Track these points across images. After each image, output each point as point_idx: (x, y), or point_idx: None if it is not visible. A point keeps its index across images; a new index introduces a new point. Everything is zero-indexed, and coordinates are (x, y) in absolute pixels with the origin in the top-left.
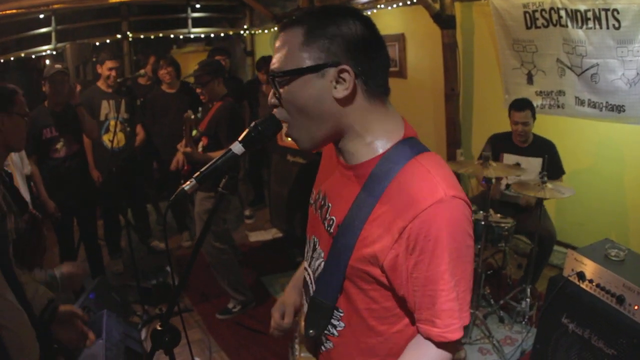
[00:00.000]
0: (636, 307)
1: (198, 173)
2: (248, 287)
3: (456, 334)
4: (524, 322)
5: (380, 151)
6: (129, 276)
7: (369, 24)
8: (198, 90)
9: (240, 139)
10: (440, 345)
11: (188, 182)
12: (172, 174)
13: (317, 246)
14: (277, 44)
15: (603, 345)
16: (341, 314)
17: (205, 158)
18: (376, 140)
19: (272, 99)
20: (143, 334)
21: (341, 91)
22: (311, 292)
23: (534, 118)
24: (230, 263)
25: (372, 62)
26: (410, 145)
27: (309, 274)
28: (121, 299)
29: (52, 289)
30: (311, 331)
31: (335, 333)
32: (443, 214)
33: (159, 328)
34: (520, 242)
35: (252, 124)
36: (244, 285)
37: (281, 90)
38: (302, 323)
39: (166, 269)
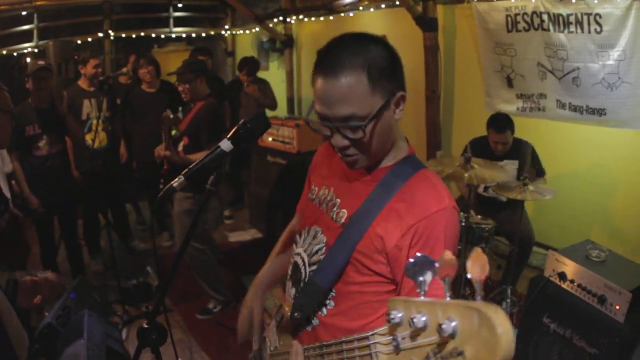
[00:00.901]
0: (617, 307)
1: (186, 170)
2: (228, 287)
3: None
4: None
5: (393, 162)
6: (109, 276)
7: (387, 44)
8: (180, 89)
9: (228, 136)
10: None
11: (177, 179)
12: (151, 173)
13: (318, 234)
14: (335, 91)
15: (585, 345)
16: (333, 294)
17: (185, 161)
18: (392, 153)
19: (343, 142)
20: (124, 334)
21: (399, 113)
22: (303, 275)
23: (513, 132)
24: (209, 263)
25: (404, 78)
26: (414, 162)
27: (302, 258)
28: (101, 298)
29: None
30: (296, 314)
31: (325, 312)
32: (445, 219)
33: (146, 326)
34: (500, 244)
35: (241, 122)
36: (224, 285)
37: (360, 133)
38: (286, 308)
39: (146, 269)
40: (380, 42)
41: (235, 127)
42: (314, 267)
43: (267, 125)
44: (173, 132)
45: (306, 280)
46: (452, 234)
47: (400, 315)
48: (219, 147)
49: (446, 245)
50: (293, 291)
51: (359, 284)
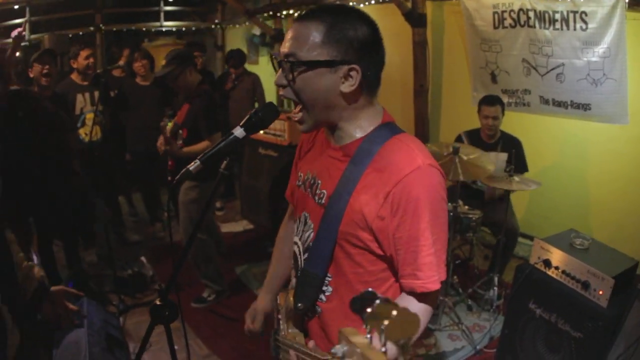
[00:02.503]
0: (601, 292)
1: (202, 154)
2: (223, 276)
3: (436, 285)
4: (491, 310)
5: (364, 133)
6: (103, 266)
7: (375, 28)
8: (172, 84)
9: (241, 123)
10: (422, 297)
11: (193, 163)
12: (144, 166)
13: (307, 220)
14: (295, 32)
15: (569, 329)
16: (329, 279)
17: (186, 153)
18: (362, 125)
19: (281, 80)
20: (120, 323)
21: (347, 87)
22: (300, 263)
23: (503, 114)
24: (210, 254)
25: (375, 63)
26: (389, 128)
27: (298, 247)
28: (97, 288)
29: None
30: (300, 305)
31: (324, 298)
32: (421, 179)
33: (159, 303)
34: (487, 235)
35: (253, 110)
36: (221, 275)
37: (295, 74)
38: (291, 298)
39: (141, 259)
40: (364, 18)
41: (248, 116)
42: (306, 255)
43: (276, 114)
44: (169, 125)
45: (301, 268)
46: (434, 193)
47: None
48: (232, 133)
49: (427, 205)
50: (294, 281)
51: (351, 265)
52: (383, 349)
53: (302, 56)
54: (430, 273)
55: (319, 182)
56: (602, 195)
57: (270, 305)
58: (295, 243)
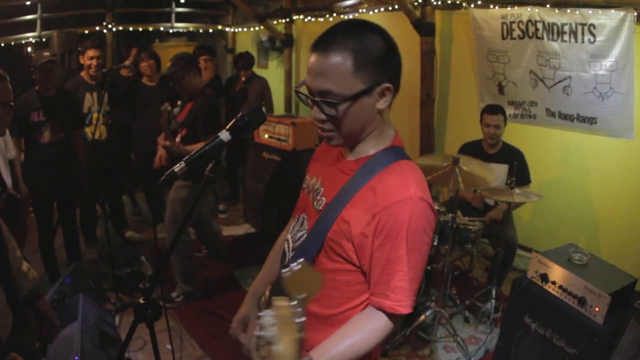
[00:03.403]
0: (597, 309)
1: (187, 157)
2: (198, 281)
3: (405, 310)
4: (488, 323)
5: (375, 152)
6: (103, 264)
7: (388, 37)
8: (176, 87)
9: (227, 127)
10: (390, 316)
11: (178, 165)
12: (149, 165)
13: (305, 222)
14: (321, 66)
15: (564, 345)
16: None
17: (184, 152)
18: (376, 144)
19: (320, 116)
20: (116, 321)
21: (382, 104)
22: (287, 260)
23: (505, 124)
24: (188, 254)
25: (398, 72)
26: (396, 152)
27: (288, 244)
28: (96, 285)
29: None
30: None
31: None
32: (409, 209)
33: (142, 302)
34: (487, 246)
35: (240, 115)
36: (193, 278)
37: (333, 110)
38: (267, 293)
39: (141, 259)
40: (379, 31)
41: (234, 120)
42: (293, 254)
43: (262, 119)
44: (169, 110)
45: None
46: (418, 226)
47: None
48: (218, 137)
49: (409, 235)
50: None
51: (330, 271)
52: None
53: (340, 92)
54: (402, 297)
55: (322, 189)
56: (606, 211)
57: (254, 311)
58: (287, 240)
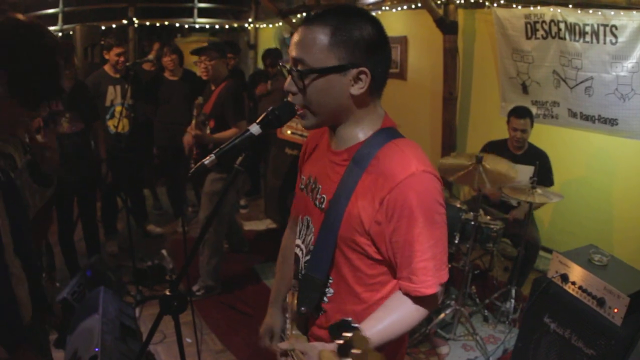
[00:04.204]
0: (616, 310)
1: (217, 149)
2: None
3: (431, 289)
4: (507, 322)
5: (365, 137)
6: (124, 257)
7: (380, 28)
8: (202, 67)
9: (258, 121)
10: (417, 299)
11: (208, 157)
12: (171, 160)
13: (310, 224)
14: (301, 37)
15: (582, 345)
16: (331, 281)
17: (215, 139)
18: (364, 129)
19: (291, 87)
20: (137, 313)
21: (357, 89)
22: (301, 266)
23: (532, 126)
24: (219, 248)
25: (382, 63)
26: (387, 133)
27: (301, 249)
28: (116, 278)
29: None
30: (303, 309)
31: (326, 300)
32: (415, 185)
33: (168, 294)
34: (508, 246)
35: (270, 108)
36: (218, 274)
37: (305, 82)
38: (295, 301)
39: (162, 252)
40: (371, 20)
41: (265, 113)
42: (308, 258)
43: (292, 113)
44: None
45: (303, 272)
46: (428, 198)
47: None
48: (248, 130)
49: (421, 211)
50: (294, 282)
51: (351, 269)
52: None
53: (311, 62)
54: (425, 278)
55: (320, 186)
56: (627, 212)
57: (279, 319)
58: (298, 246)
